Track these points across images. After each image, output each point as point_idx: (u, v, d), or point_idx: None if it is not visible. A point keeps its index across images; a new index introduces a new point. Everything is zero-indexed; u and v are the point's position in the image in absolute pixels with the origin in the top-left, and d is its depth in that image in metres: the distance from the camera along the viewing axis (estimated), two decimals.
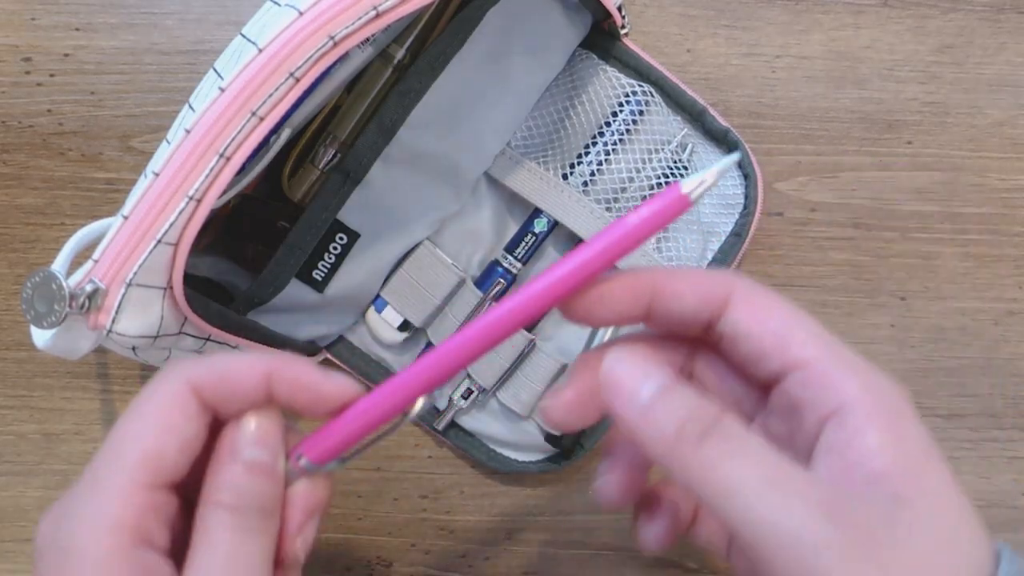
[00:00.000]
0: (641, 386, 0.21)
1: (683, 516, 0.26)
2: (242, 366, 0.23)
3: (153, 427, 0.22)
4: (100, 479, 0.21)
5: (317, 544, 0.43)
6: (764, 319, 0.22)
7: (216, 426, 0.23)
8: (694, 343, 0.25)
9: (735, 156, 0.22)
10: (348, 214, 0.38)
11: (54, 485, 0.42)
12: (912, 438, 0.20)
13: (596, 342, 0.40)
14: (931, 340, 0.43)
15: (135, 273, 0.26)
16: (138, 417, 0.22)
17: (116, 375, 0.42)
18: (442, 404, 0.42)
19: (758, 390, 0.24)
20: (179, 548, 0.22)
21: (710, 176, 0.21)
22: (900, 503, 0.19)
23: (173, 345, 0.31)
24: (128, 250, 0.26)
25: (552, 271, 0.22)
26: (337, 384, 0.23)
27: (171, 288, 0.28)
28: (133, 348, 0.29)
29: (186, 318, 0.30)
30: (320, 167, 0.38)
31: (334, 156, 0.38)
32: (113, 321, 0.27)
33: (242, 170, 0.29)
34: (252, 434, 0.23)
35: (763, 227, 0.42)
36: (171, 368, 0.23)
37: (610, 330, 0.39)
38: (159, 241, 0.26)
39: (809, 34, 0.42)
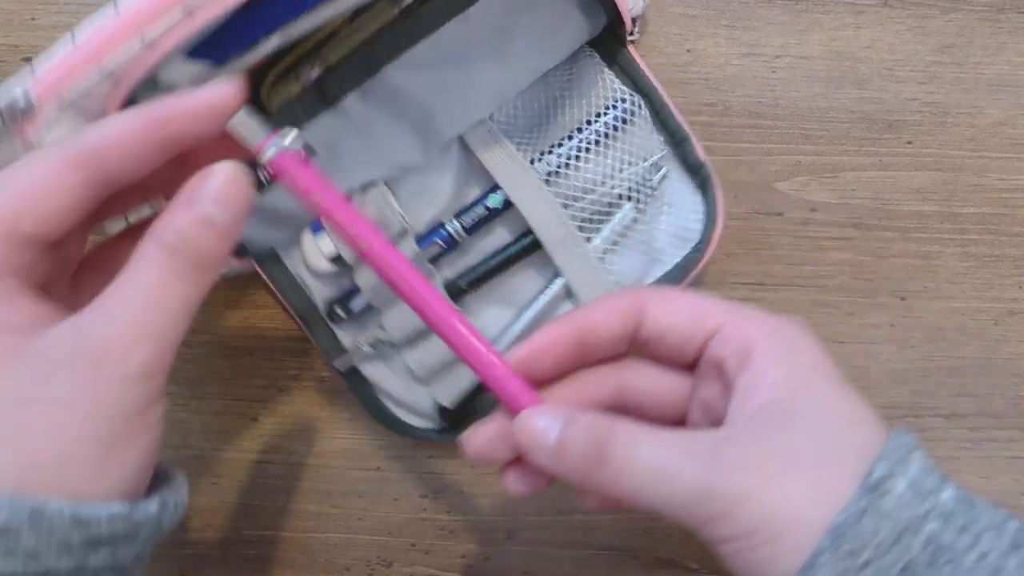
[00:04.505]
0: (548, 434, 0.24)
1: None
2: (121, 128, 0.22)
3: (17, 190, 0.21)
4: None
5: (317, 544, 0.43)
6: (677, 309, 0.26)
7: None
8: (617, 362, 0.29)
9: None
10: (312, 132, 0.37)
11: None
12: (800, 364, 0.24)
13: (518, 323, 0.40)
14: (931, 340, 0.43)
15: (72, 97, 0.26)
16: (6, 185, 0.21)
17: None
18: (349, 344, 0.41)
19: (685, 372, 0.28)
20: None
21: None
22: (783, 421, 0.23)
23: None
24: (70, 73, 0.26)
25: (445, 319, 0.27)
26: (215, 89, 0.23)
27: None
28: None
29: None
30: (302, 84, 0.38)
31: (318, 78, 0.38)
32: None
33: (223, 64, 0.29)
34: (217, 190, 0.22)
35: (763, 227, 0.42)
36: (51, 145, 0.22)
37: (530, 313, 0.40)
38: (105, 74, 0.26)
39: (809, 34, 0.42)
